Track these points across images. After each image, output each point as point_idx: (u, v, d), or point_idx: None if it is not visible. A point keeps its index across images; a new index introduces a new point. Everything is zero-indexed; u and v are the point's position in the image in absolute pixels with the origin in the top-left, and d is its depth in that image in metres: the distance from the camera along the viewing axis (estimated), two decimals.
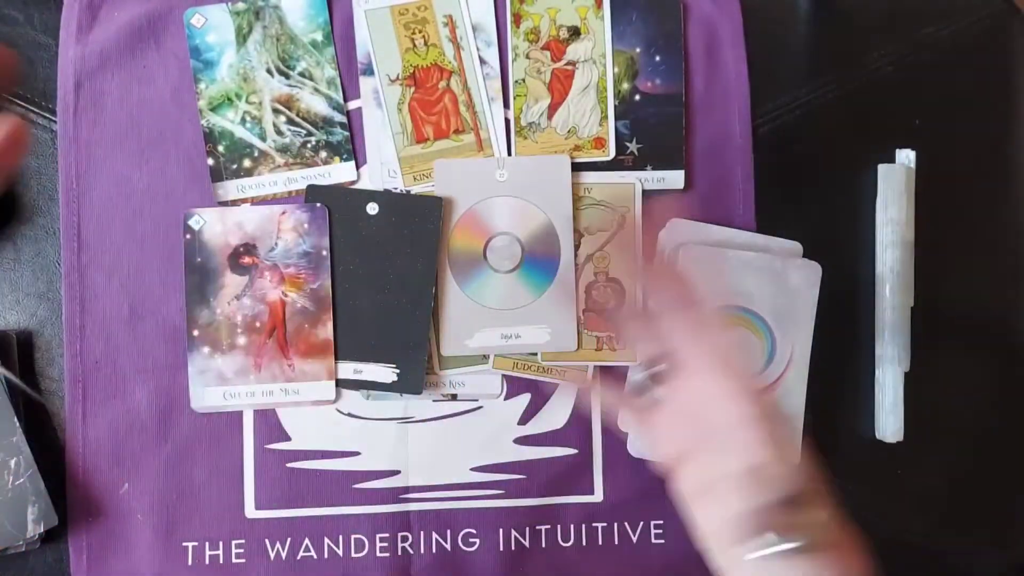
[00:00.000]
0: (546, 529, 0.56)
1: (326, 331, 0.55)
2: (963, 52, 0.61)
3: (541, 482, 0.56)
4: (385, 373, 0.55)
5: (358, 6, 0.57)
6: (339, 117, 0.56)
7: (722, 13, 0.58)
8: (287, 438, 0.55)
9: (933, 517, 0.58)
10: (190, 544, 0.54)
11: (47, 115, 0.56)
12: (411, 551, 0.55)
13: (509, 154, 0.57)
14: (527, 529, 0.56)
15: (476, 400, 0.56)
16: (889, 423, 0.56)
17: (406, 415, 0.56)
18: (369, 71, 0.57)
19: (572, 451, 0.56)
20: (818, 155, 0.59)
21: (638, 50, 0.58)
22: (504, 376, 0.56)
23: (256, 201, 0.56)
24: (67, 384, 0.54)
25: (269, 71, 0.56)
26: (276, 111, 0.56)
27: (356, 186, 0.56)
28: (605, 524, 0.56)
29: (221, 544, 0.54)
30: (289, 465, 0.55)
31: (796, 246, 0.57)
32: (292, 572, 0.55)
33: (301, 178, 0.56)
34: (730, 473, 0.40)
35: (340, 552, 0.55)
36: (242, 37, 0.56)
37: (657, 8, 0.58)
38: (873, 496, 0.58)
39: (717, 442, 0.41)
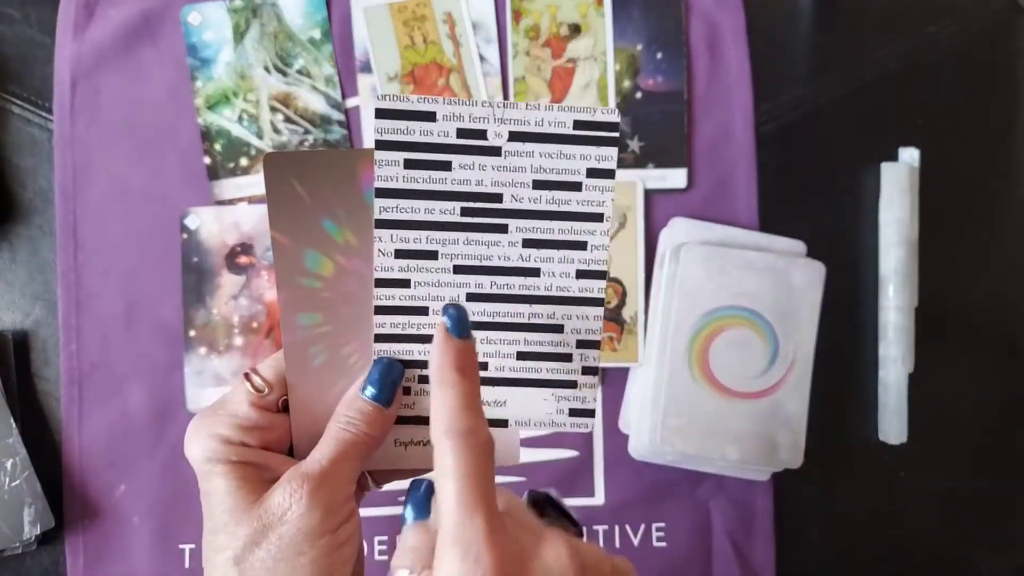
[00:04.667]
0: None
1: None
2: (967, 50, 0.60)
3: (541, 484, 0.55)
4: None
5: (356, 3, 0.56)
6: (337, 115, 0.56)
7: (724, 10, 0.58)
8: None
9: (936, 519, 0.58)
10: (187, 546, 0.54)
11: (43, 114, 0.56)
12: None
13: None
14: None
15: None
16: (892, 425, 0.56)
17: None
18: (367, 69, 0.56)
19: (573, 453, 0.56)
20: (821, 153, 0.59)
21: (639, 47, 0.57)
22: None
23: (253, 200, 0.55)
24: (63, 385, 0.54)
25: (267, 69, 0.56)
26: (273, 109, 0.56)
27: None
28: (606, 527, 0.56)
29: None
30: None
31: (799, 245, 0.56)
32: None
33: None
34: None
35: None
36: (239, 35, 0.56)
37: (658, 4, 0.57)
38: (875, 498, 0.57)
39: None
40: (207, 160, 0.55)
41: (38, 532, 0.51)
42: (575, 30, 0.57)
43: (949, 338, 0.58)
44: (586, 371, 0.34)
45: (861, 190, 0.58)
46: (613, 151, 0.32)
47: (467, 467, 0.28)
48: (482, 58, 0.56)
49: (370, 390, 0.32)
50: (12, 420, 0.52)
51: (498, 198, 0.32)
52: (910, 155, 0.58)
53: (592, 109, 0.32)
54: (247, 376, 0.33)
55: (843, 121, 0.59)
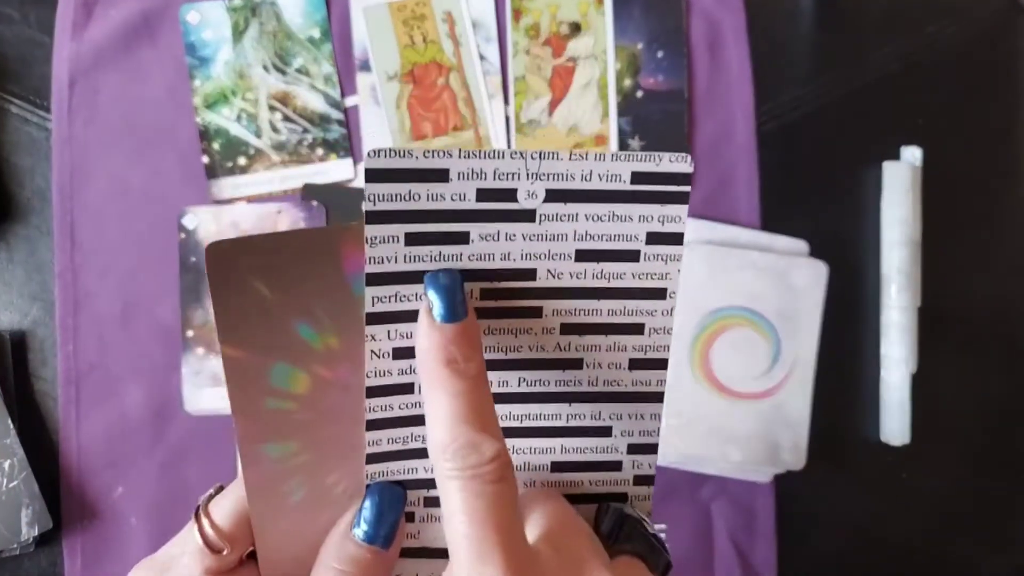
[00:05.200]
0: None
1: None
2: (967, 50, 0.60)
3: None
4: None
5: (356, 2, 0.56)
6: (336, 114, 0.56)
7: (725, 9, 0.58)
8: None
9: (937, 520, 0.57)
10: None
11: (41, 113, 0.56)
12: None
13: None
14: None
15: None
16: (895, 426, 0.56)
17: None
18: (367, 67, 0.56)
19: None
20: (822, 153, 0.58)
21: (640, 46, 0.57)
22: None
23: (252, 199, 0.55)
24: (61, 385, 0.54)
25: (265, 68, 0.56)
26: (272, 108, 0.55)
27: (353, 184, 0.56)
28: None
29: None
30: None
31: (801, 245, 0.56)
32: None
33: (297, 176, 0.55)
34: None
35: None
36: (238, 33, 0.56)
37: (659, 3, 0.57)
38: (877, 499, 0.57)
39: None
40: (205, 159, 0.55)
41: (36, 533, 0.51)
42: (575, 29, 0.57)
43: (952, 338, 0.58)
44: (639, 481, 0.27)
45: (863, 190, 0.58)
46: (683, 210, 0.25)
47: (473, 499, 0.22)
48: (482, 57, 0.56)
49: (363, 528, 0.25)
50: (9, 421, 0.51)
51: (530, 275, 0.25)
52: (912, 154, 0.58)
53: (657, 157, 0.24)
54: (198, 521, 0.25)
55: (844, 121, 0.59)
